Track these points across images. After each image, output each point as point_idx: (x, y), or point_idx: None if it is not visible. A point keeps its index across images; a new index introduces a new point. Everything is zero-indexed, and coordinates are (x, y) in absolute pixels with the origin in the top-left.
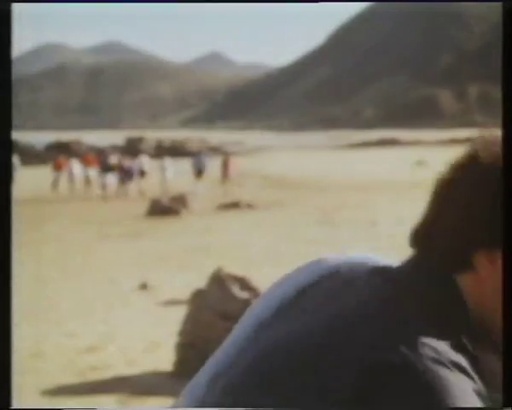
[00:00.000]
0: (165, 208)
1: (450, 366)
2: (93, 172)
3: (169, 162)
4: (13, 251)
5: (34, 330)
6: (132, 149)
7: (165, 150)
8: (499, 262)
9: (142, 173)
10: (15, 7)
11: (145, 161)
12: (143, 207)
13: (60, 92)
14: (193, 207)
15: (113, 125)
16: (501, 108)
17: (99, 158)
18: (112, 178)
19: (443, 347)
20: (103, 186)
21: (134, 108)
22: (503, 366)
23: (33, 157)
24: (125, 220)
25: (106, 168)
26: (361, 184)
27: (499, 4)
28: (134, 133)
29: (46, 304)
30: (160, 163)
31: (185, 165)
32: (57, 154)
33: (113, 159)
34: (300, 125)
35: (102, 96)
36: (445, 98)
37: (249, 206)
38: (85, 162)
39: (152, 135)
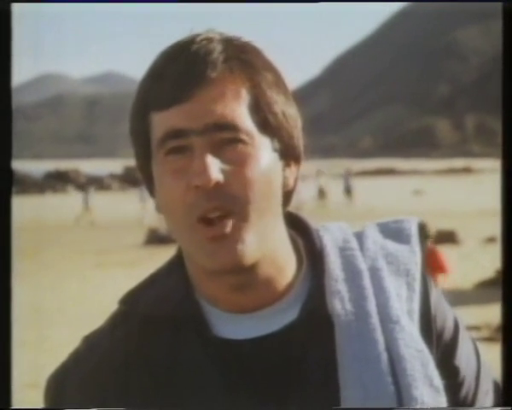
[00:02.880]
0: (162, 237)
1: None
2: None
3: None
4: (12, 280)
5: (31, 360)
6: (130, 177)
7: None
8: None
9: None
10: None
11: None
12: (141, 236)
13: (57, 122)
14: None
15: (110, 154)
16: (498, 138)
17: None
18: None
19: None
20: None
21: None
22: (503, 366)
23: (31, 186)
24: (123, 249)
25: None
26: (358, 212)
27: (496, 37)
28: (131, 162)
29: (43, 334)
30: None
31: None
32: (54, 182)
33: None
34: None
35: (100, 125)
36: (443, 128)
37: None
38: None
39: None
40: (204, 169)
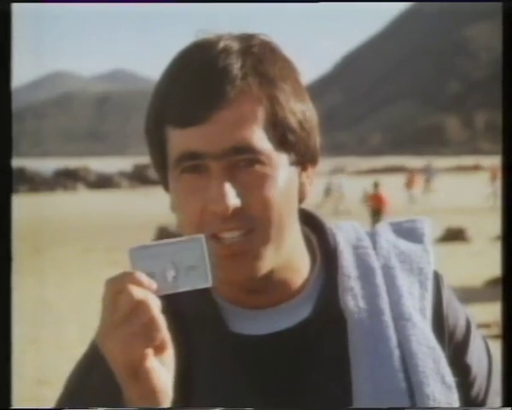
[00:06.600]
0: (172, 235)
1: None
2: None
3: None
4: (16, 279)
5: (41, 357)
6: (140, 175)
7: None
8: None
9: None
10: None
11: None
12: (152, 234)
13: (66, 120)
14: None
15: (120, 151)
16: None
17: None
18: None
19: None
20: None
21: (141, 134)
22: (503, 366)
23: (40, 184)
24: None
25: None
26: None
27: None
28: (141, 160)
29: (53, 331)
30: None
31: None
32: (64, 180)
33: None
34: None
35: (109, 123)
36: (452, 126)
37: None
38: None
39: None
40: (222, 196)
